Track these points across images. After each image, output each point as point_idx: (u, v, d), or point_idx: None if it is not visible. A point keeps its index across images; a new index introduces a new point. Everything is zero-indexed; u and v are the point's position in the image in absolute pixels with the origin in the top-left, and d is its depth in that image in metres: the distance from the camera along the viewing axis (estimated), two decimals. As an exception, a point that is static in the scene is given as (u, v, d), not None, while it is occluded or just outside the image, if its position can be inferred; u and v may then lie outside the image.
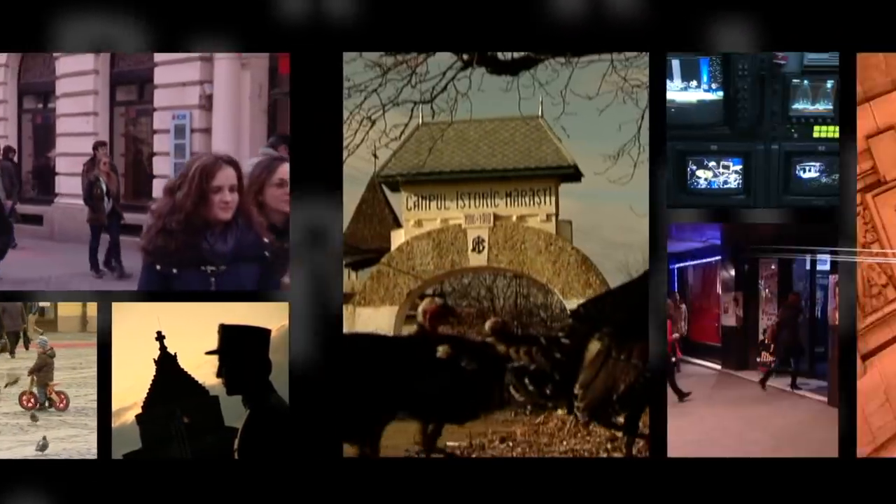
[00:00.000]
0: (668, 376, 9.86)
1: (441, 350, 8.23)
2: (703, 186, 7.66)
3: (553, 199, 21.87)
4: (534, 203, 21.81)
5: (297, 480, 6.60)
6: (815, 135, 8.07)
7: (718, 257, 12.62)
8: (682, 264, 12.61)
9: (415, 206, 22.63)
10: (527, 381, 7.93)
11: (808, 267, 12.34)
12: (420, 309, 8.41)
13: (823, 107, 8.05)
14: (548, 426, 13.23)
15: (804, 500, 6.56)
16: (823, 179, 8.07)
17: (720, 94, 7.94)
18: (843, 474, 6.66)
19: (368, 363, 7.64)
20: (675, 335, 11.13)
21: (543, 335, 8.46)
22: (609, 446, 13.26)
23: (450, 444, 11.72)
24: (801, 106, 8.08)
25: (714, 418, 9.14)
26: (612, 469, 6.77)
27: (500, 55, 14.06)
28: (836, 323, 10.90)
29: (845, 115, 7.40)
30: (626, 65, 13.98)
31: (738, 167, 8.24)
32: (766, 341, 12.23)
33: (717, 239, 12.14)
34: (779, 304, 12.52)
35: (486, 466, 7.06)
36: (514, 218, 21.84)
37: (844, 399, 7.02)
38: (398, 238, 22.93)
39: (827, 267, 11.87)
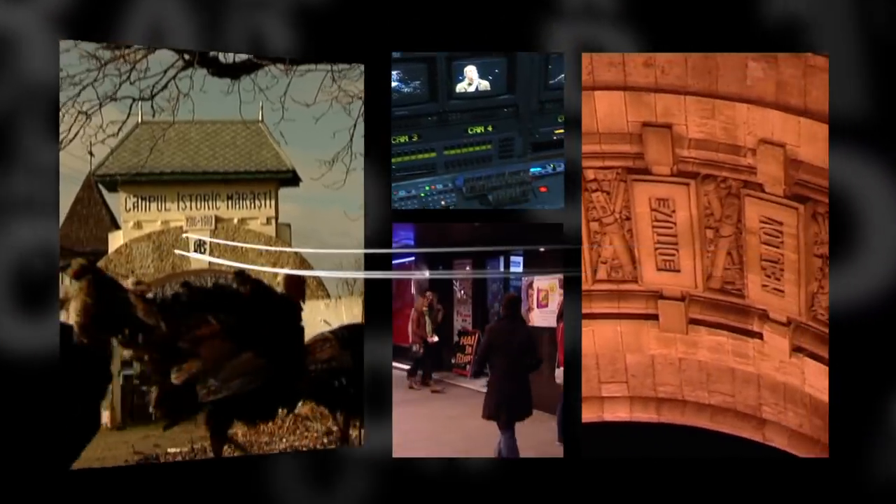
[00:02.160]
0: None
1: None
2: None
3: (273, 202, 21.78)
4: (255, 206, 21.70)
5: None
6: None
7: (412, 258, 12.69)
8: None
9: (134, 207, 22.00)
10: None
11: (501, 269, 12.56)
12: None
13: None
14: (267, 425, 13.07)
15: (530, 500, 6.63)
16: (404, 89, 7.95)
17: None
18: (568, 474, 6.75)
19: None
20: None
21: None
22: (325, 440, 13.22)
23: (171, 450, 11.47)
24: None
25: (410, 420, 9.15)
26: (340, 463, 6.71)
27: (221, 57, 13.82)
28: (531, 324, 11.14)
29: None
30: (341, 76, 13.97)
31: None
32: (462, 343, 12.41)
33: (410, 239, 12.18)
34: (474, 306, 12.73)
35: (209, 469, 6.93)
36: (236, 220, 21.64)
37: (567, 399, 7.17)
38: (116, 240, 22.21)
39: (520, 269, 12.12)
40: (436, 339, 12.28)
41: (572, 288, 7.11)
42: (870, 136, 6.26)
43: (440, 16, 6.60)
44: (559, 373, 9.50)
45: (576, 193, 7.03)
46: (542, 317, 11.47)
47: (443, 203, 7.63)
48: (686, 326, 8.02)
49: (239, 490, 6.65)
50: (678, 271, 7.78)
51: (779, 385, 8.01)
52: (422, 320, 12.31)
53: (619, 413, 8.68)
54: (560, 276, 9.82)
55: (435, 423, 9.88)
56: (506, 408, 7.84)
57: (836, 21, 6.31)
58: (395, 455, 6.67)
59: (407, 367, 12.26)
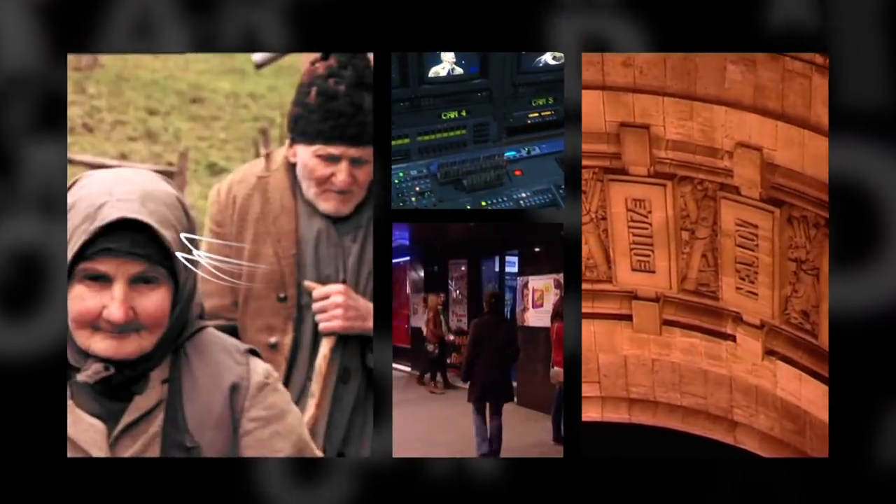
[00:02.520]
0: None
1: None
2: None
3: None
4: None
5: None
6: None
7: (407, 257, 12.72)
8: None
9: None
10: None
11: (496, 268, 12.59)
12: None
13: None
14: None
15: (528, 501, 6.64)
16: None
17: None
18: (568, 474, 6.76)
19: None
20: None
21: None
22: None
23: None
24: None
25: (404, 420, 9.17)
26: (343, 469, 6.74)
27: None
28: (526, 324, 11.16)
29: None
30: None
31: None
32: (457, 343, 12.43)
33: (405, 239, 12.21)
34: (469, 306, 12.73)
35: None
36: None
37: (567, 399, 7.21)
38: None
39: (515, 269, 12.14)
40: (452, 337, 12.32)
41: (572, 288, 7.10)
42: (881, 135, 6.27)
43: (439, 15, 6.63)
44: (554, 372, 9.56)
45: (576, 193, 7.06)
46: (537, 317, 11.46)
47: (417, 189, 7.63)
48: (660, 327, 8.04)
49: (229, 489, 6.69)
50: (653, 272, 7.81)
51: (751, 388, 8.03)
52: (438, 319, 12.33)
53: (590, 413, 8.70)
54: (555, 276, 9.89)
55: (431, 423, 9.91)
56: (491, 394, 7.98)
57: (842, 19, 6.31)
58: (395, 455, 6.71)
59: (406, 368, 12.29)
